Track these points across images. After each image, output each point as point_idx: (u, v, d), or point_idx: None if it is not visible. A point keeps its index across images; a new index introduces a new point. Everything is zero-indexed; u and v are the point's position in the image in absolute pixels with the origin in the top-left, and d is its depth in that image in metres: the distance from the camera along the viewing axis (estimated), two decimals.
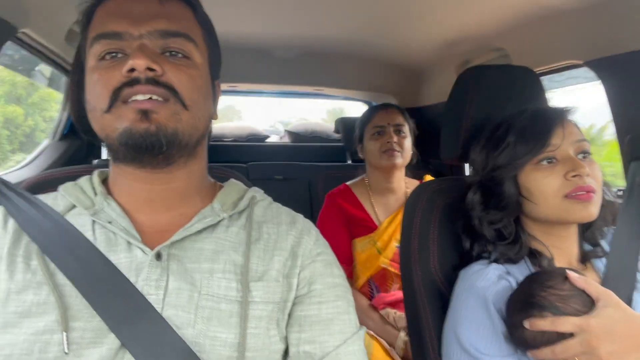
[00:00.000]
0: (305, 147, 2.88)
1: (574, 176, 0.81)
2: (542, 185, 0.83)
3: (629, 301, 0.84)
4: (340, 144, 2.71)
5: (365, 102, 2.95)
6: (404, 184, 1.71)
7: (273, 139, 3.21)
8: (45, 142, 1.89)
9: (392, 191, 1.68)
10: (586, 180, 0.80)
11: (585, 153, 0.85)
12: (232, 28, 1.61)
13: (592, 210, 0.81)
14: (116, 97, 0.62)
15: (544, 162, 0.84)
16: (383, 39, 1.76)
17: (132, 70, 0.61)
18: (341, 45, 1.89)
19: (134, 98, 0.61)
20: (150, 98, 0.62)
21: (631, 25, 1.08)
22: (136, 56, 0.61)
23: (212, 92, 0.74)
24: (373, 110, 1.71)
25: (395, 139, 1.61)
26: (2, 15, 0.99)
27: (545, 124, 0.85)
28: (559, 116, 0.86)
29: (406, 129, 1.66)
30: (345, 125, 2.44)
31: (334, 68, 2.19)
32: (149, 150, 0.62)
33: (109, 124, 0.63)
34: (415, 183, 1.74)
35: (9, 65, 1.69)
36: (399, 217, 1.58)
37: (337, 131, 2.78)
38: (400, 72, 2.18)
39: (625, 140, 1.14)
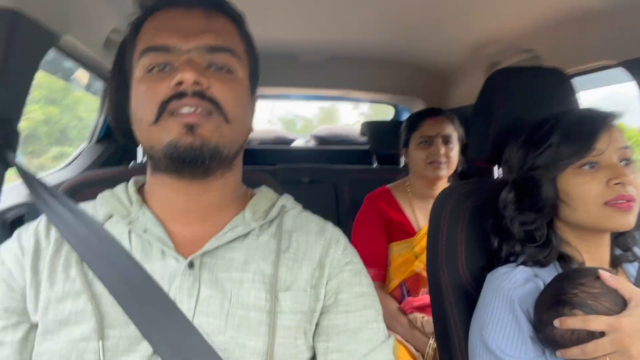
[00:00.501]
0: (331, 150, 2.89)
1: (617, 184, 0.79)
2: (583, 190, 0.81)
3: None
4: (365, 147, 2.71)
5: (392, 104, 2.94)
6: None
7: (299, 142, 3.24)
8: (82, 145, 1.97)
9: (434, 197, 1.63)
10: (628, 189, 0.79)
11: (628, 160, 0.83)
12: (258, 33, 1.63)
13: (631, 220, 0.80)
14: (163, 109, 0.64)
15: (586, 167, 0.82)
16: (410, 41, 1.75)
17: (179, 83, 0.64)
18: (368, 49, 1.89)
19: (180, 111, 0.64)
20: (195, 111, 0.64)
21: None
22: (185, 70, 0.63)
23: (251, 105, 0.76)
24: (421, 117, 1.66)
25: (442, 150, 1.57)
26: (45, 23, 1.04)
27: (591, 127, 0.83)
28: (605, 120, 0.83)
29: (454, 138, 1.62)
30: (371, 128, 2.44)
31: (360, 71, 2.19)
32: (192, 163, 0.64)
33: (155, 136, 0.65)
34: None
35: (49, 70, 1.77)
36: None
37: (362, 134, 2.78)
38: (428, 74, 2.17)
39: None
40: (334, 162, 2.56)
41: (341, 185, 2.29)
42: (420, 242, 1.56)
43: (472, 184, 1.07)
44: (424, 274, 1.50)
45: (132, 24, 0.72)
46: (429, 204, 1.62)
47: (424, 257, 1.51)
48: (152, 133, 0.66)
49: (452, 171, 1.62)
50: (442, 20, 1.46)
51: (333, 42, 1.80)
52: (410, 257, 1.55)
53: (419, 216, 1.63)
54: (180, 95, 0.64)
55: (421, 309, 1.47)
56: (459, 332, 0.93)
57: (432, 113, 1.66)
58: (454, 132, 1.62)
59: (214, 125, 0.65)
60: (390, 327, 1.41)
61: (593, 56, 1.29)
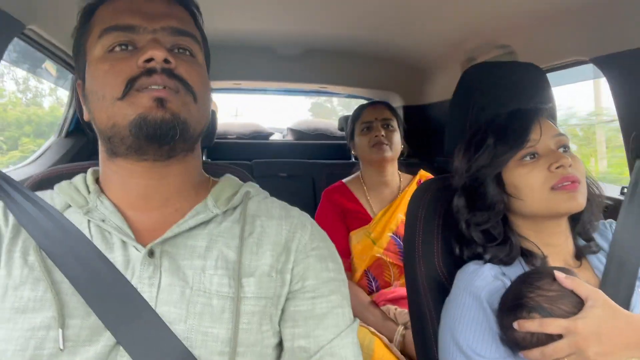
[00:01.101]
0: (308, 144, 2.89)
1: (558, 167, 0.82)
2: (528, 180, 0.84)
3: (627, 301, 0.84)
4: (343, 141, 2.71)
5: (369, 99, 2.94)
6: (397, 178, 1.75)
7: (276, 136, 3.22)
8: (51, 139, 1.90)
9: (385, 184, 1.72)
10: (569, 171, 0.81)
11: (565, 147, 0.86)
12: (235, 25, 1.61)
13: (580, 200, 0.82)
14: (131, 85, 0.63)
15: (527, 158, 0.85)
16: (387, 36, 1.76)
17: (148, 60, 0.63)
18: (345, 43, 1.89)
19: (149, 87, 0.63)
20: (164, 88, 0.63)
21: (637, 22, 1.07)
22: (154, 47, 0.64)
23: (210, 93, 0.76)
24: (361, 108, 1.77)
25: (383, 132, 1.67)
26: (10, 11, 1.00)
27: (522, 121, 0.86)
28: (535, 113, 0.87)
29: (394, 123, 1.72)
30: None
31: (338, 65, 2.18)
32: (162, 138, 0.63)
33: (120, 111, 0.63)
34: (408, 177, 1.78)
35: (15, 62, 1.70)
36: (392, 208, 1.64)
37: (341, 129, 2.78)
38: (405, 69, 2.18)
39: (630, 137, 1.14)
40: (312, 156, 2.56)
41: (319, 179, 2.28)
42: (376, 227, 1.62)
43: (449, 179, 1.08)
44: (385, 258, 1.57)
45: (85, 8, 0.72)
46: (382, 191, 1.71)
47: (381, 241, 1.58)
48: (117, 109, 0.64)
49: (396, 154, 1.71)
50: (419, 15, 1.47)
51: (310, 35, 1.78)
52: (368, 243, 1.61)
53: (374, 204, 1.71)
54: (149, 72, 0.63)
55: (394, 301, 1.51)
56: (435, 325, 0.94)
57: (370, 103, 1.79)
58: (392, 118, 1.73)
59: (182, 101, 0.65)
60: (363, 319, 1.44)
61: (566, 52, 1.32)
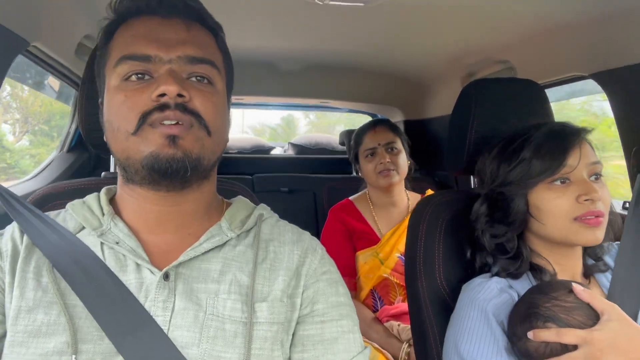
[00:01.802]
0: (309, 159, 2.89)
1: (586, 200, 0.80)
2: (553, 206, 0.82)
3: (635, 315, 0.84)
4: (344, 155, 2.72)
5: (370, 114, 2.96)
6: (405, 196, 1.73)
7: (277, 151, 3.22)
8: (53, 154, 1.91)
9: (393, 204, 1.70)
10: (597, 205, 0.80)
11: (597, 175, 0.84)
12: (238, 42, 1.63)
13: (599, 235, 0.81)
14: (144, 120, 0.62)
15: (557, 182, 0.82)
16: (388, 52, 1.77)
17: (161, 95, 0.62)
18: (346, 59, 1.90)
19: (162, 123, 0.62)
20: (177, 123, 0.62)
21: (636, 37, 1.08)
22: (167, 82, 0.62)
23: (228, 116, 0.75)
24: (362, 132, 1.73)
25: (388, 158, 1.63)
26: (14, 29, 1.01)
27: (562, 142, 0.83)
28: (576, 135, 0.84)
29: (398, 144, 1.68)
30: (349, 137, 2.45)
31: (339, 81, 2.20)
32: (173, 175, 0.63)
33: (134, 146, 0.63)
34: (417, 196, 1.76)
35: (18, 78, 1.72)
36: (401, 229, 1.61)
37: (341, 143, 2.79)
38: (406, 84, 2.19)
39: (631, 152, 1.14)
40: (313, 170, 2.56)
41: (320, 194, 2.28)
42: (384, 247, 1.60)
43: (450, 194, 1.08)
44: (392, 279, 1.55)
45: (104, 29, 0.70)
46: (390, 211, 1.70)
47: (389, 262, 1.56)
48: (130, 144, 0.63)
49: (403, 176, 1.68)
50: (420, 32, 1.48)
51: (312, 51, 1.80)
52: (376, 263, 1.58)
53: (381, 224, 1.68)
54: (162, 107, 0.62)
55: (397, 316, 1.49)
56: (437, 341, 0.93)
57: (371, 125, 1.73)
58: (396, 139, 1.68)
59: (195, 137, 0.64)
60: (366, 336, 1.43)
61: (565, 68, 1.33)
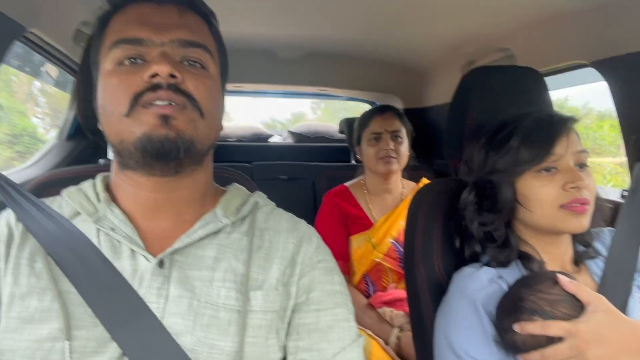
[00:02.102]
0: (309, 147, 2.89)
1: (572, 187, 0.81)
2: (540, 194, 0.83)
3: (624, 304, 0.84)
4: (344, 144, 2.71)
5: (369, 102, 2.95)
6: (400, 185, 1.75)
7: (276, 139, 3.22)
8: (51, 142, 1.90)
9: (388, 192, 1.72)
10: (583, 193, 0.81)
11: (583, 164, 0.85)
12: (236, 29, 1.62)
13: (584, 223, 0.82)
14: (136, 101, 0.62)
15: (544, 171, 0.84)
16: (387, 40, 1.76)
17: (154, 75, 0.62)
18: (345, 46, 1.89)
19: (154, 103, 0.62)
20: (169, 104, 0.62)
21: (637, 25, 1.08)
22: (160, 62, 0.62)
23: (222, 103, 0.74)
24: (370, 115, 1.73)
25: (391, 145, 1.64)
26: (11, 15, 1.00)
27: (550, 131, 0.84)
28: (564, 124, 0.85)
29: (403, 133, 1.69)
30: (349, 125, 2.44)
31: (338, 68, 2.19)
32: (166, 156, 0.63)
33: (127, 128, 0.63)
34: (411, 184, 1.78)
35: (15, 65, 1.70)
36: (394, 215, 1.63)
37: (341, 131, 2.79)
38: (405, 72, 2.19)
39: (630, 140, 1.14)
40: (312, 159, 2.56)
41: (319, 182, 2.28)
42: (377, 233, 1.62)
43: (448, 182, 1.08)
44: (385, 263, 1.57)
45: (100, 17, 0.70)
46: (384, 198, 1.71)
47: (382, 247, 1.58)
48: (123, 126, 0.63)
49: (402, 165, 1.70)
50: (419, 19, 1.47)
51: (311, 39, 1.79)
52: (369, 248, 1.60)
53: (375, 210, 1.70)
54: (154, 87, 0.62)
55: (390, 303, 1.51)
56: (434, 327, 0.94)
57: (380, 110, 1.73)
58: (402, 128, 1.70)
59: (188, 118, 0.63)
60: (360, 321, 1.44)
61: (565, 56, 1.32)
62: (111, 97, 0.64)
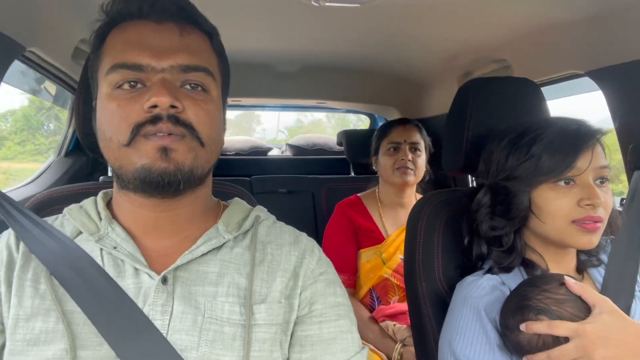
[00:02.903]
0: (308, 159, 2.89)
1: (587, 205, 0.79)
2: (554, 206, 0.81)
3: (627, 309, 0.84)
4: (343, 156, 2.72)
5: (367, 114, 2.96)
6: (414, 199, 1.72)
7: (275, 152, 3.22)
8: (50, 159, 1.90)
9: (402, 205, 1.69)
10: (597, 211, 0.79)
11: (603, 179, 0.83)
12: (234, 43, 1.63)
13: (594, 241, 0.81)
14: (137, 132, 0.62)
15: (562, 182, 0.82)
16: (384, 52, 1.77)
17: (154, 106, 0.61)
18: (343, 59, 1.90)
19: (155, 134, 0.62)
20: (169, 134, 0.62)
21: (632, 35, 1.09)
22: (160, 93, 0.61)
23: (223, 122, 0.74)
24: (390, 125, 1.72)
25: (409, 156, 1.63)
26: (10, 34, 1.01)
27: (575, 143, 0.81)
28: (590, 138, 0.82)
29: (422, 146, 1.68)
30: (347, 137, 2.45)
31: (336, 81, 2.20)
32: (166, 187, 0.63)
33: (127, 157, 0.63)
34: None
35: (14, 83, 1.71)
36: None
37: (339, 144, 2.79)
38: (402, 84, 2.20)
39: (628, 149, 1.14)
40: (311, 171, 2.56)
41: (318, 194, 2.28)
42: (388, 248, 1.59)
43: (448, 193, 1.08)
44: (393, 279, 1.55)
45: (97, 32, 0.69)
46: (397, 212, 1.69)
47: (391, 263, 1.56)
48: (123, 154, 0.63)
49: (419, 178, 1.67)
50: (416, 31, 1.49)
51: (308, 52, 1.80)
52: (379, 263, 1.58)
53: (387, 223, 1.68)
54: (154, 119, 0.62)
55: (393, 316, 1.49)
56: (436, 338, 0.93)
57: (401, 121, 1.73)
58: (421, 141, 1.69)
59: (188, 147, 0.63)
60: (362, 335, 1.42)
61: (561, 66, 1.33)
62: (110, 123, 0.64)
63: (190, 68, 0.66)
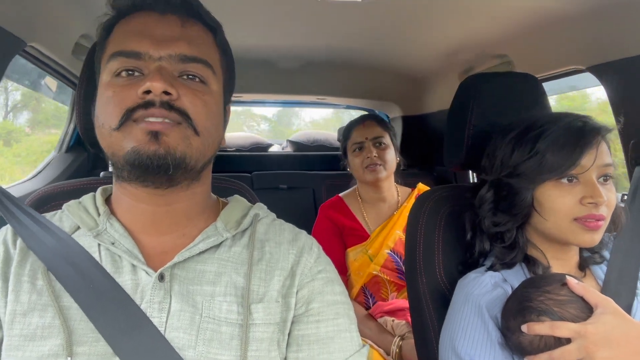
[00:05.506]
0: (308, 156, 2.89)
1: (590, 203, 0.79)
2: (556, 204, 0.81)
3: (628, 308, 0.84)
4: None
5: (368, 109, 2.96)
6: (395, 192, 1.72)
7: (275, 148, 3.22)
8: (51, 154, 1.91)
9: (383, 200, 1.70)
10: (600, 209, 0.79)
11: (607, 176, 0.82)
12: (235, 40, 1.62)
13: (596, 238, 0.81)
14: (128, 116, 0.62)
15: (565, 180, 0.81)
16: (385, 47, 1.77)
17: (147, 91, 0.61)
18: (344, 55, 1.90)
19: (145, 119, 0.61)
20: (162, 121, 0.62)
21: (633, 30, 1.08)
22: (154, 79, 0.61)
23: (223, 118, 0.73)
24: (351, 126, 1.72)
25: (375, 152, 1.62)
26: (11, 30, 1.01)
27: (579, 141, 0.80)
28: (595, 135, 0.81)
29: (386, 139, 1.67)
30: None
31: (337, 77, 2.20)
32: (155, 171, 0.62)
33: (117, 142, 0.62)
34: (407, 190, 1.75)
35: (15, 78, 1.71)
36: (390, 225, 1.62)
37: (339, 139, 2.79)
38: (403, 80, 2.19)
39: (629, 145, 1.14)
40: (312, 167, 2.56)
41: (319, 190, 2.28)
42: (373, 244, 1.60)
43: (449, 189, 1.08)
44: (382, 275, 1.55)
45: (103, 25, 0.70)
46: (379, 207, 1.70)
47: (379, 258, 1.56)
48: (114, 139, 0.63)
49: (390, 172, 1.67)
50: (417, 27, 1.48)
51: (309, 48, 1.80)
52: (366, 260, 1.59)
53: (370, 220, 1.68)
54: (147, 104, 0.61)
55: (391, 312, 1.50)
56: (437, 335, 0.93)
57: (360, 120, 1.72)
58: (384, 134, 1.67)
59: (181, 135, 0.63)
60: (360, 332, 1.42)
61: (562, 61, 1.33)
62: (104, 109, 0.64)
63: (189, 59, 0.65)
